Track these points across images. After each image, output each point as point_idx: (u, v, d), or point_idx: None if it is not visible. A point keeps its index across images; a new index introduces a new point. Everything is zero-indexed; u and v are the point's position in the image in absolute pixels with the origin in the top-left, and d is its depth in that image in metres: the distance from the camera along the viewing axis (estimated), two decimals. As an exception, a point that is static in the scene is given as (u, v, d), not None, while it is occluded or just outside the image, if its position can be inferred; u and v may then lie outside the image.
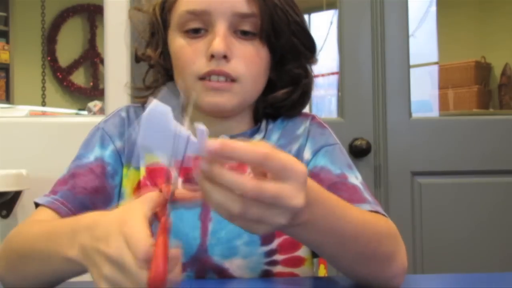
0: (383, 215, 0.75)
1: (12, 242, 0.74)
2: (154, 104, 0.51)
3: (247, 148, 0.50)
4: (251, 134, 0.88)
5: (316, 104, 3.27)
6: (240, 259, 0.81)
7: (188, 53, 0.80)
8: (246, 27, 0.80)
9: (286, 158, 0.52)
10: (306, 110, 0.93)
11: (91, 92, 4.38)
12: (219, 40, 0.77)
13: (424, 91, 3.13)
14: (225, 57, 0.78)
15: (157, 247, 0.51)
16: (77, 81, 4.42)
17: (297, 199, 0.52)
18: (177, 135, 0.51)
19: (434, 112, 3.05)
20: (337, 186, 0.79)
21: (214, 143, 0.50)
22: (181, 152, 0.52)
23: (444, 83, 3.21)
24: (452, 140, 1.91)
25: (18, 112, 2.25)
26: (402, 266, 0.71)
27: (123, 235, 0.52)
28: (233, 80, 0.79)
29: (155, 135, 0.52)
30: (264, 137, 0.88)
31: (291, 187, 0.51)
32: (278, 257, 0.82)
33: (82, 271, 0.61)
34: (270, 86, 0.87)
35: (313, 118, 0.89)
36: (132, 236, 0.51)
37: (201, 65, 0.79)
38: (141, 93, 0.91)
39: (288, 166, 0.51)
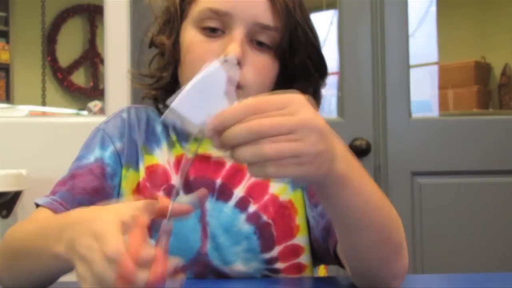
0: None
1: (7, 240, 0.74)
2: (217, 63, 0.55)
3: (233, 107, 0.52)
4: None
5: (316, 104, 3.26)
6: (241, 266, 0.81)
7: (200, 49, 0.80)
8: (264, 38, 0.79)
9: (274, 96, 0.53)
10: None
11: (91, 92, 4.37)
12: (235, 45, 0.76)
13: (424, 91, 3.12)
14: (238, 63, 0.77)
15: (158, 251, 0.51)
16: (77, 81, 4.42)
17: (304, 113, 0.52)
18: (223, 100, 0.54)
19: (434, 112, 3.05)
20: None
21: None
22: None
23: (444, 83, 3.21)
24: (452, 140, 1.91)
25: (18, 112, 2.25)
26: (405, 266, 0.70)
27: (93, 233, 0.53)
28: (239, 87, 0.78)
29: (207, 88, 0.54)
30: None
31: (292, 107, 0.51)
32: (279, 265, 0.82)
33: (71, 268, 0.61)
34: None
35: None
36: (101, 234, 0.52)
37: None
38: (144, 81, 0.90)
39: (279, 97, 0.52)
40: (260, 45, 0.80)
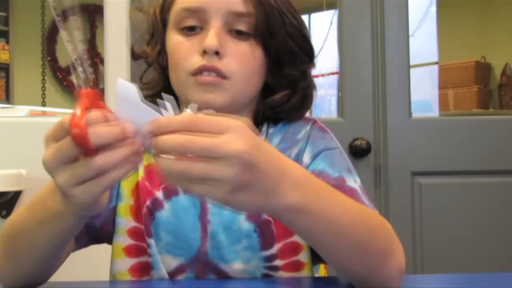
0: None
1: (4, 230, 0.74)
2: (121, 82, 0.57)
3: (171, 118, 0.53)
4: None
5: (316, 104, 3.26)
6: (240, 264, 0.81)
7: (182, 49, 0.81)
8: (241, 26, 0.80)
9: (215, 117, 0.53)
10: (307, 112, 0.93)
11: (91, 92, 4.37)
12: (211, 36, 0.77)
13: (424, 91, 3.12)
14: (217, 53, 0.78)
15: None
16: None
17: (236, 143, 0.52)
18: (146, 109, 0.55)
19: (434, 112, 3.05)
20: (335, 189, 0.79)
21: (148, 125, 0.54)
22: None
23: (444, 83, 3.21)
24: (452, 140, 1.91)
25: (18, 112, 2.25)
26: (399, 266, 0.70)
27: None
28: (224, 77, 0.79)
29: (129, 109, 0.56)
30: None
31: (227, 136, 0.52)
32: (278, 262, 0.82)
33: (74, 223, 0.63)
34: (270, 90, 0.87)
35: (314, 122, 0.89)
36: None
37: (194, 61, 0.79)
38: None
39: (218, 121, 0.53)
40: (239, 34, 0.81)
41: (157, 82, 0.88)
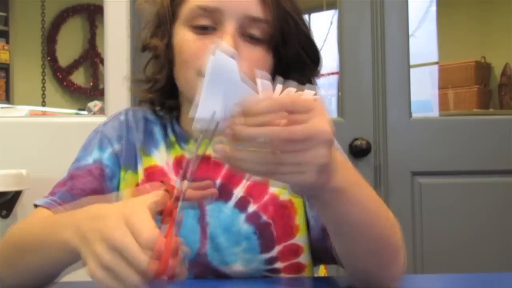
0: None
1: (9, 238, 0.74)
2: (219, 53, 0.53)
3: (270, 101, 0.52)
4: None
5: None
6: (240, 266, 0.81)
7: (193, 48, 0.79)
8: (255, 31, 0.79)
9: (299, 98, 0.53)
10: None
11: (91, 92, 4.37)
12: (228, 39, 0.76)
13: (424, 91, 3.12)
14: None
15: (168, 240, 0.51)
16: (77, 81, 4.42)
17: (323, 124, 0.52)
18: (242, 87, 0.53)
19: (434, 112, 3.05)
20: None
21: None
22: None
23: (444, 83, 3.21)
24: (452, 140, 1.91)
25: (18, 112, 2.25)
26: (403, 267, 0.70)
27: (129, 223, 0.53)
28: None
29: (222, 81, 0.53)
30: None
31: (314, 117, 0.52)
32: (279, 264, 0.82)
33: (75, 259, 0.61)
34: None
35: None
36: (138, 224, 0.53)
37: (205, 62, 0.78)
38: (141, 86, 0.90)
39: (304, 101, 0.53)
40: (252, 39, 0.80)
41: (160, 75, 0.86)
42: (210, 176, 0.83)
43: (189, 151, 0.84)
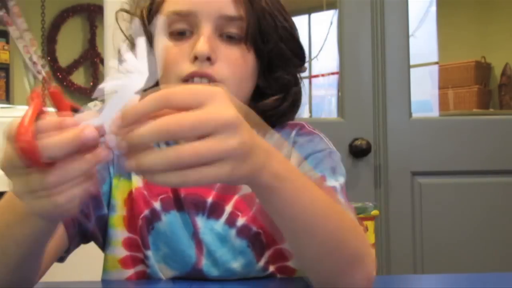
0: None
1: None
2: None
3: (146, 99, 0.47)
4: None
5: (316, 104, 3.26)
6: (238, 278, 0.80)
7: (171, 54, 0.78)
8: (232, 30, 0.79)
9: (188, 88, 0.48)
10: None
11: (91, 92, 4.36)
12: (203, 41, 0.75)
13: (424, 91, 3.13)
14: (209, 59, 0.76)
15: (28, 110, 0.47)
16: (77, 81, 4.42)
17: (226, 110, 0.47)
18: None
19: (434, 112, 3.06)
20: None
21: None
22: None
23: (444, 83, 3.22)
24: (452, 140, 1.91)
25: (18, 112, 2.25)
26: (368, 275, 0.65)
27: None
28: (216, 83, 0.77)
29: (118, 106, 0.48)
30: None
31: (211, 106, 0.46)
32: (271, 268, 0.81)
33: (46, 226, 0.57)
34: (261, 94, 0.85)
35: (301, 127, 0.87)
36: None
37: (185, 67, 0.77)
38: None
39: (194, 92, 0.47)
40: (230, 38, 0.79)
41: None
42: (202, 193, 0.82)
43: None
